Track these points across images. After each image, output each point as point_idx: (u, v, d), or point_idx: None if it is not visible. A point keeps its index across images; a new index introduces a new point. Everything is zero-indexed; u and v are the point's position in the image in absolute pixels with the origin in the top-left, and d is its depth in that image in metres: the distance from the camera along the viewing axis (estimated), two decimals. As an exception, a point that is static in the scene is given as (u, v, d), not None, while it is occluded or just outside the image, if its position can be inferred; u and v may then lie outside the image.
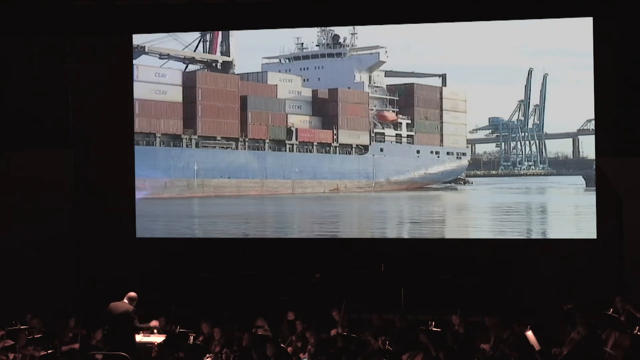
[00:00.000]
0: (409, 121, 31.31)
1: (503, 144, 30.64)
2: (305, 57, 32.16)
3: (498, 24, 18.68)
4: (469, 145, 30.09)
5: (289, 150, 28.92)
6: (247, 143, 28.15)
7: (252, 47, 26.75)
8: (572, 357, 12.49)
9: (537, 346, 12.70)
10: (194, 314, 15.59)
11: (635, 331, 12.42)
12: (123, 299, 13.47)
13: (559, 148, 29.49)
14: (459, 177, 29.81)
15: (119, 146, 19.47)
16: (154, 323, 13.83)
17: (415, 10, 16.83)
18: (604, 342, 12.62)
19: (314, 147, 29.75)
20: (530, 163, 30.19)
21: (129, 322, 13.32)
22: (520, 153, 30.62)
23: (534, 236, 19.74)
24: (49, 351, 13.33)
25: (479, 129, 30.31)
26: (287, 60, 32.31)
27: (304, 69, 32.08)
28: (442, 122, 30.65)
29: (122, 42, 19.47)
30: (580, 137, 26.01)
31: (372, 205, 27.11)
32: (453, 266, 17.95)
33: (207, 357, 13.50)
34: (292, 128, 29.16)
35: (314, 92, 30.54)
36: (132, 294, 13.55)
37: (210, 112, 27.61)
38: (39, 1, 16.30)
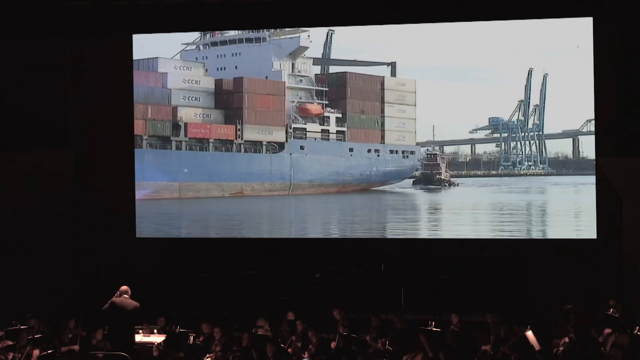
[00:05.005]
0: (340, 115, 27.67)
1: (503, 144, 30.49)
2: (223, 43, 28.53)
3: (498, 24, 18.67)
4: (424, 145, 27.27)
5: (176, 148, 24.90)
6: (118, 140, 24.37)
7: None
8: (570, 358, 12.49)
9: (537, 346, 12.69)
10: (194, 314, 15.61)
11: (635, 331, 12.41)
12: (120, 296, 13.37)
13: (559, 148, 29.47)
14: (442, 178, 27.95)
15: (119, 146, 19.50)
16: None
17: (415, 10, 16.84)
18: (603, 342, 12.61)
19: (210, 144, 25.73)
20: (530, 163, 30.07)
21: (138, 317, 13.34)
22: (520, 153, 30.49)
23: (534, 236, 19.73)
24: (49, 351, 13.31)
25: (479, 129, 30.20)
26: (206, 47, 28.96)
27: (221, 55, 28.41)
28: (383, 117, 27.23)
29: (122, 42, 19.47)
30: (580, 137, 25.99)
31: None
32: (453, 266, 17.97)
33: (207, 357, 13.51)
34: (180, 122, 25.12)
35: (218, 82, 26.76)
36: (125, 287, 13.40)
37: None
38: (39, 1, 16.31)
